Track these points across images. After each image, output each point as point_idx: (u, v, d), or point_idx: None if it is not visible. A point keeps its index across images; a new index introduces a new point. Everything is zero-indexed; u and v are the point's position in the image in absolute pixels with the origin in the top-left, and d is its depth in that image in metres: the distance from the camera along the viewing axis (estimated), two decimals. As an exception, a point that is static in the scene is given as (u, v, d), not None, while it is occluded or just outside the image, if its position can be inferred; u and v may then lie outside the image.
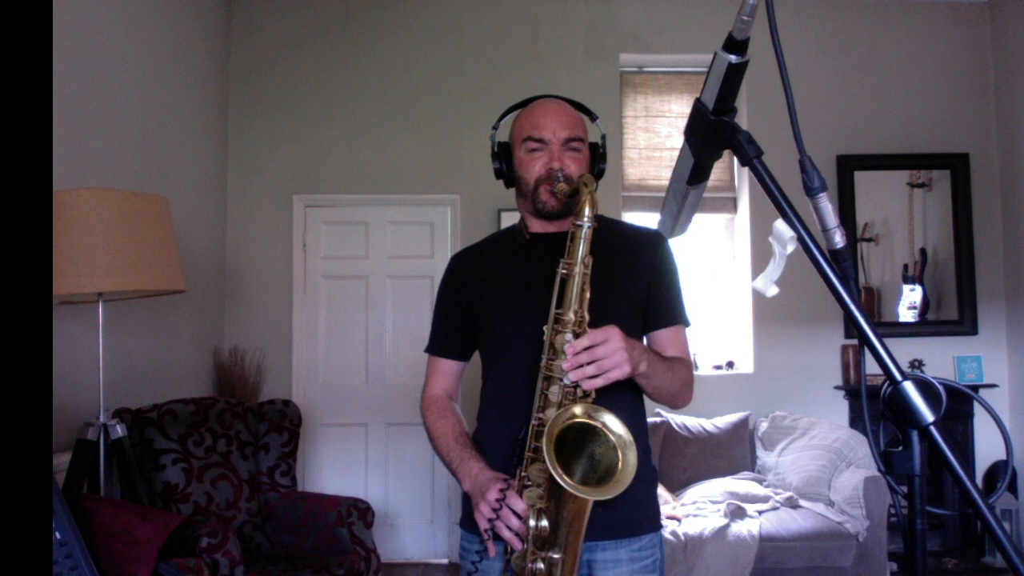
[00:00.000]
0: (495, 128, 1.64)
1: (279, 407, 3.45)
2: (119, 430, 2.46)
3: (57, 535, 1.75)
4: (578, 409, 1.28)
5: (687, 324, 1.59)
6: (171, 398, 3.21)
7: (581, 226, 1.34)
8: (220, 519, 3.02)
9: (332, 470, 4.50)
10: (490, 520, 1.32)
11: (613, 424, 1.27)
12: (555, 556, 1.29)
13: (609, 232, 1.52)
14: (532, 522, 1.29)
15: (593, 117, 1.61)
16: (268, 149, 4.57)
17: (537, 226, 1.57)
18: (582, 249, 1.34)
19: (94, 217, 2.26)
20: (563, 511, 1.29)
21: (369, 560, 3.03)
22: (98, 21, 3.08)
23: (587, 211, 1.34)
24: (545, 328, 1.36)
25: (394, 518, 4.46)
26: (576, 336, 1.31)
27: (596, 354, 1.26)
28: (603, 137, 1.61)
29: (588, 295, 1.35)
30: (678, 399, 1.50)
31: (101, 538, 1.99)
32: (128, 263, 2.29)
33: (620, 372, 1.27)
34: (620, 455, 1.25)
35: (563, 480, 1.20)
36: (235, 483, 3.16)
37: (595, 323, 1.34)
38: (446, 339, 1.63)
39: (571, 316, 1.33)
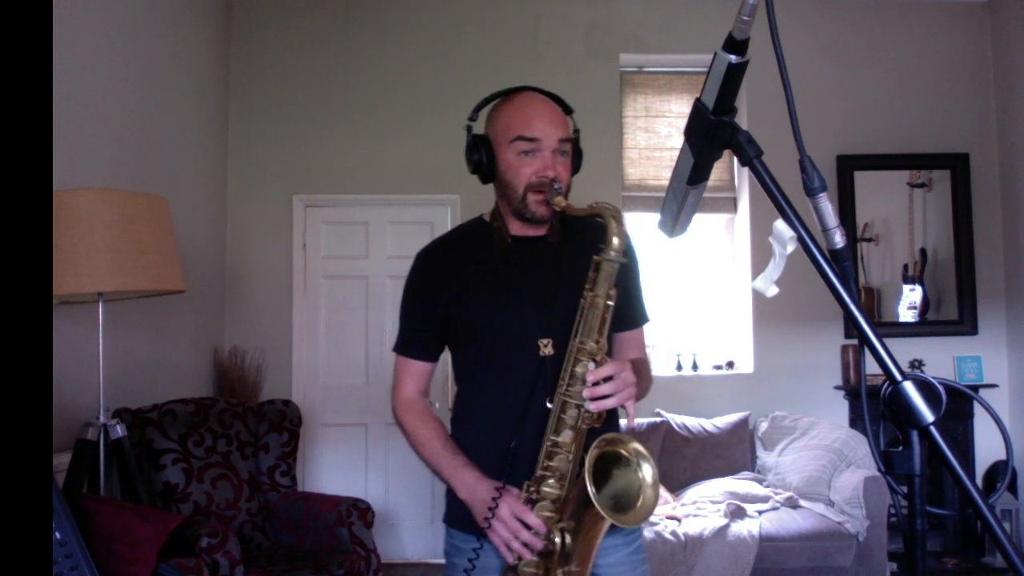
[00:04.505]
0: (472, 120, 1.52)
1: (279, 407, 3.45)
2: (119, 430, 2.46)
3: (57, 535, 1.75)
4: (633, 445, 1.33)
5: (648, 321, 1.63)
6: (171, 398, 3.21)
7: (612, 261, 1.34)
8: (220, 519, 3.02)
9: (332, 470, 4.50)
10: (499, 534, 1.36)
11: (645, 466, 1.32)
12: (574, 569, 1.34)
13: (578, 229, 1.49)
14: (556, 539, 1.33)
15: (569, 111, 1.55)
16: (268, 149, 4.57)
17: (517, 228, 1.52)
18: (607, 283, 1.35)
19: (94, 217, 2.26)
20: (582, 529, 1.33)
21: (369, 560, 3.03)
22: (98, 21, 3.08)
23: (616, 243, 1.33)
24: (541, 344, 1.41)
25: (394, 518, 4.46)
26: (596, 364, 1.34)
27: (617, 388, 1.31)
28: (577, 131, 1.55)
29: (608, 326, 1.37)
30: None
31: (101, 538, 1.99)
32: (128, 263, 2.29)
33: (632, 405, 1.35)
34: (640, 489, 1.31)
35: (598, 503, 1.24)
36: (235, 483, 3.16)
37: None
38: (419, 340, 1.58)
39: (592, 345, 1.35)
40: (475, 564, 1.41)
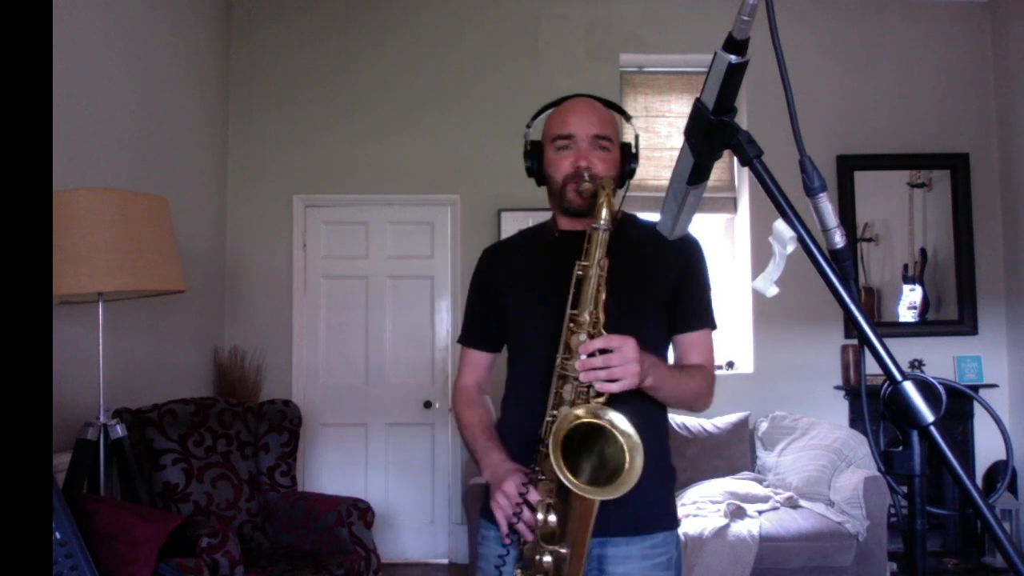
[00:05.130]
0: (528, 127, 1.65)
1: (279, 407, 3.45)
2: (119, 430, 2.46)
3: (57, 535, 1.75)
4: (580, 411, 1.29)
5: (714, 327, 1.59)
6: (171, 398, 3.21)
7: (598, 228, 1.37)
8: (220, 519, 3.02)
9: (332, 470, 4.50)
10: (502, 509, 1.36)
11: (621, 425, 1.28)
12: (562, 551, 1.32)
13: (637, 231, 1.55)
14: (540, 516, 1.32)
15: (628, 117, 1.63)
16: (268, 149, 4.57)
17: (566, 224, 1.59)
18: (598, 251, 1.36)
19: (94, 217, 2.26)
20: (571, 507, 1.31)
21: (369, 560, 3.03)
22: (98, 21, 3.08)
23: (604, 213, 1.37)
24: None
25: (394, 518, 4.46)
26: (591, 337, 1.33)
27: (610, 360, 1.28)
28: (636, 137, 1.63)
29: (603, 296, 1.36)
30: (692, 407, 1.53)
31: (101, 538, 1.99)
32: (128, 263, 2.29)
33: (628, 383, 1.28)
34: (627, 456, 1.26)
35: (566, 479, 1.22)
36: (235, 483, 3.16)
37: (620, 322, 1.36)
38: (477, 331, 1.67)
39: (586, 317, 1.35)
40: (505, 560, 1.41)
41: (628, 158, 1.59)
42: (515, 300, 1.58)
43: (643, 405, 1.44)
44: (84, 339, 2.72)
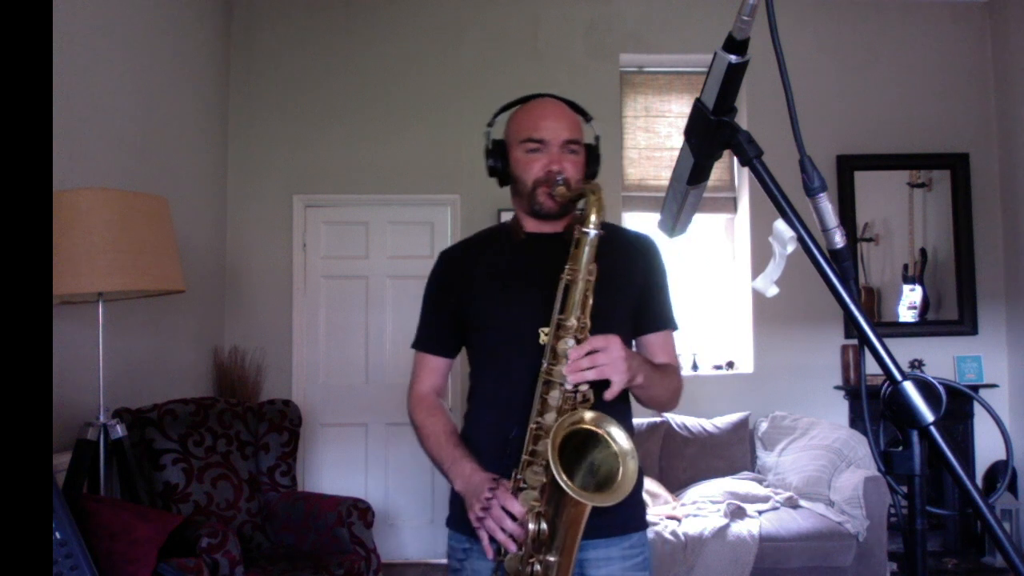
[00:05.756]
0: (490, 126, 1.62)
1: (279, 407, 3.45)
2: (119, 430, 2.46)
3: (57, 535, 1.75)
4: (587, 415, 1.29)
5: (676, 328, 1.61)
6: (171, 398, 3.21)
7: (587, 233, 1.34)
8: (220, 519, 3.02)
9: (332, 470, 4.50)
10: (480, 520, 1.33)
11: (616, 432, 1.28)
12: (551, 559, 1.30)
13: (606, 237, 1.52)
14: (531, 525, 1.30)
15: (588, 118, 1.60)
16: (268, 149, 4.57)
17: (532, 225, 1.57)
18: (587, 256, 1.34)
19: (94, 217, 2.26)
20: (561, 515, 1.29)
21: (369, 560, 3.03)
22: (98, 21, 3.08)
23: (593, 218, 1.34)
24: (542, 332, 1.37)
25: (394, 518, 4.46)
26: (578, 342, 1.32)
27: (597, 360, 1.28)
28: (597, 138, 1.61)
29: (591, 302, 1.35)
30: (667, 406, 1.55)
31: (101, 538, 1.99)
32: (128, 263, 2.29)
33: (620, 380, 1.29)
34: (620, 463, 1.26)
35: (567, 486, 1.21)
36: (235, 483, 3.16)
37: (595, 324, 1.35)
38: (435, 336, 1.62)
39: (573, 322, 1.33)
40: (463, 564, 1.40)
41: (592, 160, 1.58)
42: (482, 304, 1.53)
43: (615, 403, 1.42)
44: (84, 339, 2.72)
